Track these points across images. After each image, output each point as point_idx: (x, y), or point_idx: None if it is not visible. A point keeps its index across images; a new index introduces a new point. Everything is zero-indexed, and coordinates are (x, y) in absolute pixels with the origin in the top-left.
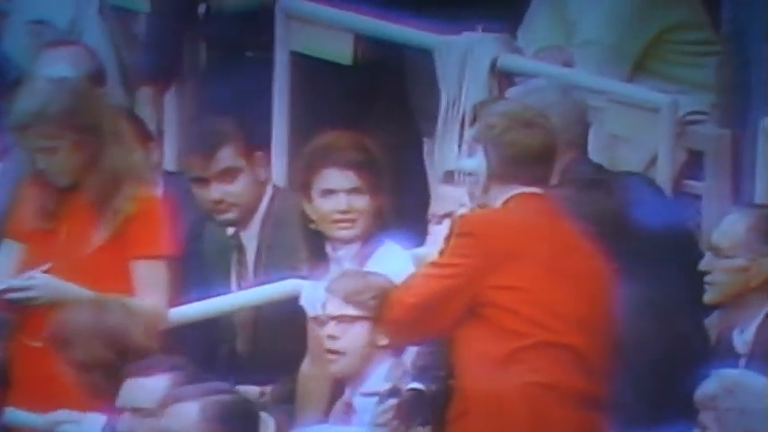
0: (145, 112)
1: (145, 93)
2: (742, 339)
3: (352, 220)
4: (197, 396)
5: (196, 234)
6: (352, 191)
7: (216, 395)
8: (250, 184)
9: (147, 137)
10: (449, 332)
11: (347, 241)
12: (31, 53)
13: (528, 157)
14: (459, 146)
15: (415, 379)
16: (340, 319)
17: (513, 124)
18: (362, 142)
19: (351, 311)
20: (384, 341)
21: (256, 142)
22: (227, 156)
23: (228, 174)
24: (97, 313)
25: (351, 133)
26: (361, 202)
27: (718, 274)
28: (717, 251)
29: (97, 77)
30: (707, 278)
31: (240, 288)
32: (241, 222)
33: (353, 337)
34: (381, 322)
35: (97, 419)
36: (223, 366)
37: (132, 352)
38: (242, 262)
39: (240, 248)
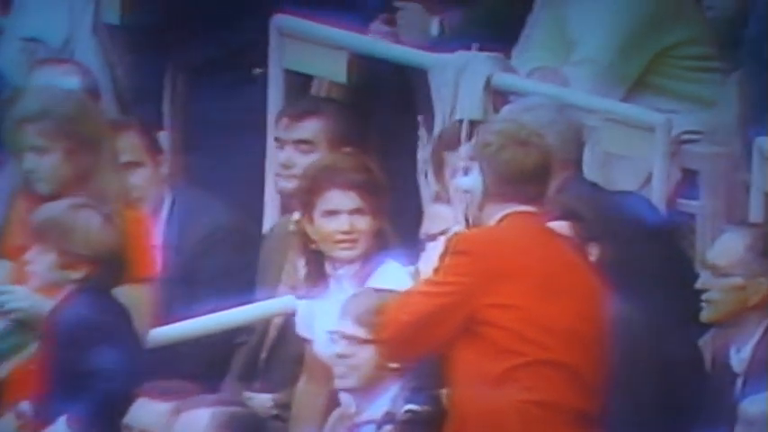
0: None
1: None
2: (738, 358)
3: (354, 240)
4: (209, 404)
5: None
6: (355, 211)
7: (227, 406)
8: None
9: (157, 149)
10: (443, 350)
11: (348, 261)
12: (23, 70)
13: (523, 175)
14: (431, 157)
15: (409, 400)
16: (351, 339)
17: (508, 143)
18: (364, 163)
19: (362, 334)
20: (395, 364)
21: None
22: (312, 127)
23: (305, 145)
24: None
25: (352, 154)
26: (363, 222)
27: (716, 293)
28: (714, 270)
29: (90, 94)
30: (704, 296)
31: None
32: None
33: (363, 358)
34: (377, 341)
35: (61, 420)
36: (237, 373)
37: None
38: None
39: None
